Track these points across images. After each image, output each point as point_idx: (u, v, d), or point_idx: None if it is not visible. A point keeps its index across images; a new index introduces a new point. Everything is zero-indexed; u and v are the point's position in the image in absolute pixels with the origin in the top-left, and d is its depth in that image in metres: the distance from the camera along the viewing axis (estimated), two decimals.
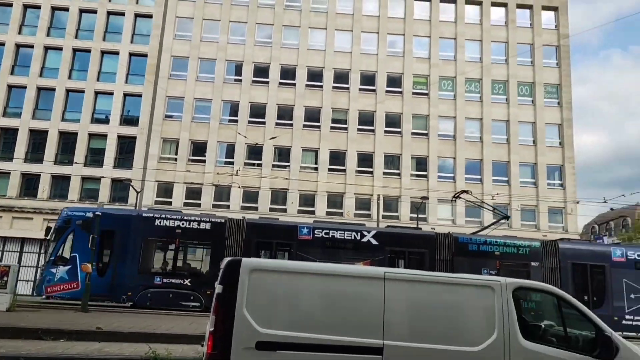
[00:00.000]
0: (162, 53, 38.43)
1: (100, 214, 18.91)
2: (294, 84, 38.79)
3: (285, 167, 37.48)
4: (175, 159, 37.03)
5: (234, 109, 38.40)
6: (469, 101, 39.16)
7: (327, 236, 19.81)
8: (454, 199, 27.74)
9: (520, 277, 19.73)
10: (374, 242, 19.85)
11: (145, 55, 38.36)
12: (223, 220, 20.38)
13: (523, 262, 20.67)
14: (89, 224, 18.84)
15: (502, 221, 22.01)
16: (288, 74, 39.03)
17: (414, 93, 39.13)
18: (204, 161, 36.98)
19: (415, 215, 33.37)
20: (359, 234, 20.00)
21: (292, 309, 5.49)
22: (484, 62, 39.43)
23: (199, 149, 37.37)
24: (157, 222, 19.82)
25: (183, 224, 19.95)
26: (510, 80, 39.46)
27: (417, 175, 38.15)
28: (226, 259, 5.71)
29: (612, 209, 68.85)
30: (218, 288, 5.43)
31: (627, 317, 19.59)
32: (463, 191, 23.22)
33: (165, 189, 36.40)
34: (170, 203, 35.50)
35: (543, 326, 6.22)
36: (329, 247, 19.55)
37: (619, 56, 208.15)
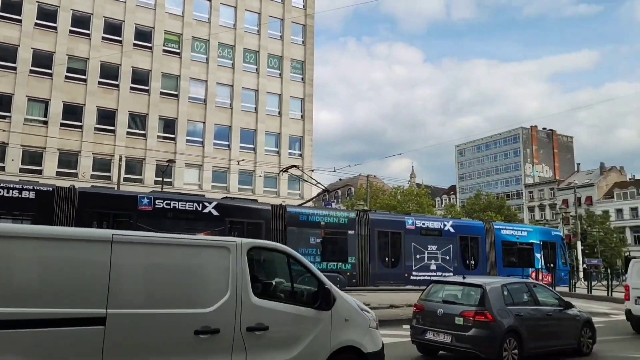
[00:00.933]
0: None
1: None
2: (20, 20, 32.80)
3: (4, 118, 31.72)
4: None
5: None
6: (222, 66, 39.04)
7: (168, 207, 18.66)
8: (283, 172, 29.28)
9: (340, 244, 22.02)
10: (215, 213, 19.49)
11: None
12: (51, 189, 17.15)
13: (342, 231, 22.08)
14: None
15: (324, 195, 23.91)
16: (13, 7, 32.76)
17: (164, 50, 37.13)
18: None
19: (161, 179, 32.00)
20: (200, 205, 19.37)
21: (3, 281, 4.55)
22: (237, 29, 39.65)
23: None
24: None
25: None
26: (261, 51, 40.61)
27: (165, 138, 36.62)
28: None
29: (340, 179, 77.90)
30: None
31: (414, 273, 22.99)
32: (293, 166, 24.97)
33: None
34: None
35: (274, 283, 6.32)
36: (171, 218, 18.49)
37: (354, 44, 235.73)
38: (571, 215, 66.19)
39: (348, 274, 21.86)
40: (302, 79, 42.41)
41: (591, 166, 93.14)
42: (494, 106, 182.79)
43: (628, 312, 13.52)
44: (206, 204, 19.77)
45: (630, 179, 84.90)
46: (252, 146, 39.39)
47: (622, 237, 71.44)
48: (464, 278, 9.88)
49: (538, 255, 27.39)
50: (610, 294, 23.49)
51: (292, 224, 21.13)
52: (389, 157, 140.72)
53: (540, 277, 25.57)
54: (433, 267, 23.87)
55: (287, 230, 20.88)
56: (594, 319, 11.24)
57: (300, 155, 41.32)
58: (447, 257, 24.47)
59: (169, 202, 18.93)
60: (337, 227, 22.10)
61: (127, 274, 5.07)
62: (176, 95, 37.16)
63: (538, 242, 27.88)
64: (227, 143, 38.57)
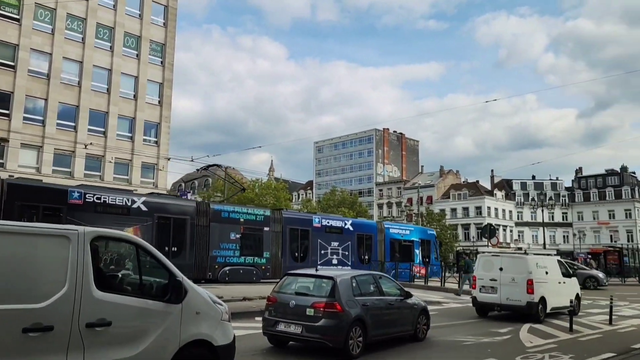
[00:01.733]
0: None
1: None
2: None
3: None
4: None
5: None
6: (70, 40, 35.55)
7: (99, 201, 18.85)
8: (202, 170, 31.40)
9: (257, 239, 23.75)
10: (143, 208, 19.92)
11: None
12: None
13: (258, 227, 23.83)
14: None
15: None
16: None
17: (1, 15, 32.79)
18: None
19: None
20: (130, 200, 19.74)
21: None
22: (89, 1, 36.37)
23: None
24: None
25: None
26: (117, 28, 37.77)
27: None
28: None
29: (197, 170, 75.84)
30: None
31: (319, 267, 24.81)
32: (215, 165, 28.73)
33: None
34: None
35: (120, 275, 5.94)
36: (101, 212, 18.65)
37: (218, 33, 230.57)
38: (414, 213, 72.12)
39: (263, 267, 23.77)
40: (162, 62, 40.35)
41: (433, 169, 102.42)
42: (352, 107, 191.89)
43: (474, 299, 15.56)
44: (135, 199, 20.09)
45: (463, 182, 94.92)
46: (102, 129, 36.51)
47: (454, 233, 79.54)
48: (316, 270, 10.09)
49: (417, 251, 30.93)
50: (443, 285, 25.99)
51: (215, 220, 22.31)
52: (248, 150, 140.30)
53: (418, 270, 29.06)
54: (335, 261, 26.29)
55: (210, 225, 22.05)
56: (429, 307, 12.34)
57: (156, 142, 39.34)
58: (347, 253, 27.21)
59: (100, 196, 19.15)
60: (253, 224, 23.72)
61: None
62: (13, 67, 33.03)
63: (417, 239, 31.39)
64: (73, 124, 35.27)
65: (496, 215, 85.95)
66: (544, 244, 56.41)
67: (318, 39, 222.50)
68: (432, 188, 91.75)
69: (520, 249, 27.37)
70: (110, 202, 19.23)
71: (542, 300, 14.70)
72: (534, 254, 16.94)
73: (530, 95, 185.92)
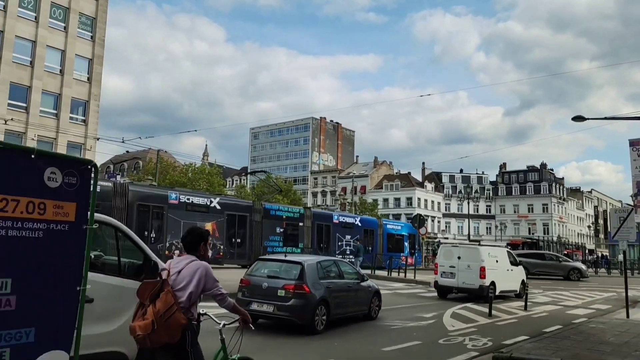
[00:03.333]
0: None
1: None
2: None
3: None
4: None
5: None
6: None
7: (189, 201, 21.97)
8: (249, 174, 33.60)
9: (294, 233, 26.65)
10: (218, 207, 23.06)
11: None
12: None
13: (295, 222, 27.17)
14: None
15: None
16: None
17: None
18: None
19: None
20: (209, 200, 23.12)
21: None
22: None
23: None
24: None
25: None
26: None
27: None
28: None
29: (127, 152, 73.18)
30: None
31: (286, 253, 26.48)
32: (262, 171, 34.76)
33: None
34: None
35: (100, 256, 6.23)
36: (190, 210, 21.76)
37: (153, 10, 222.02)
38: (348, 202, 73.25)
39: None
40: (92, 37, 38.36)
41: (368, 159, 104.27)
42: (290, 94, 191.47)
43: (435, 283, 18.24)
44: (212, 199, 23.42)
45: (396, 173, 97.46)
46: (24, 105, 34.33)
47: None
48: (285, 256, 11.34)
49: (406, 244, 36.39)
50: (390, 275, 27.22)
51: (266, 216, 25.40)
52: (182, 133, 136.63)
53: (406, 259, 33.21)
54: (347, 251, 29.85)
55: (262, 221, 25.13)
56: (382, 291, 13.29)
57: (84, 121, 37.48)
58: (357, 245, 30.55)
59: (189, 197, 22.21)
60: (292, 220, 26.92)
61: None
62: None
63: (406, 234, 36.79)
64: None
65: (425, 206, 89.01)
66: (469, 234, 59.14)
67: (258, 23, 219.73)
68: (366, 178, 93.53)
69: (446, 238, 30.43)
70: (195, 202, 22.49)
71: (492, 284, 16.98)
72: (487, 245, 20.09)
73: (462, 92, 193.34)
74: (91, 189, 3.50)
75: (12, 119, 32.46)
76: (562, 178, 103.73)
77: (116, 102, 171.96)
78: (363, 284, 12.16)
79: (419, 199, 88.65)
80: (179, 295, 4.12)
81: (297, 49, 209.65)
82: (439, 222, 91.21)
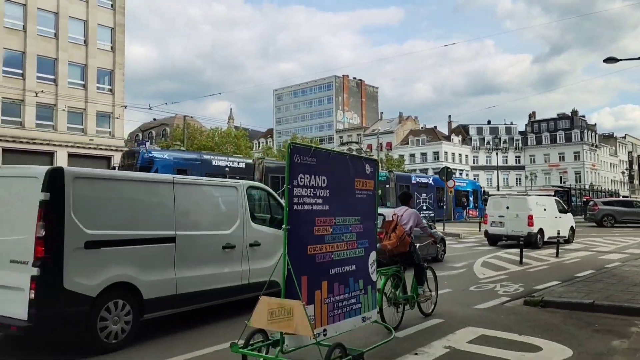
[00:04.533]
0: None
1: None
2: None
3: None
4: None
5: None
6: None
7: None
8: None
9: (383, 193, 30.15)
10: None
11: None
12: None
13: (384, 184, 31.56)
14: None
15: None
16: None
17: None
18: None
19: None
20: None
21: (110, 211, 6.12)
22: None
23: None
24: None
25: None
26: None
27: None
28: (45, 168, 5.74)
29: (154, 119, 74.06)
30: (43, 196, 5.50)
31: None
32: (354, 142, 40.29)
33: None
34: None
35: (261, 212, 8.60)
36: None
37: None
38: (374, 159, 73.10)
39: None
40: (112, 6, 38.40)
41: (392, 115, 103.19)
42: (311, 54, 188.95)
43: (485, 232, 19.44)
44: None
45: (422, 128, 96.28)
46: (52, 77, 34.95)
47: None
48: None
49: (471, 199, 41.88)
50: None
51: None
52: (207, 98, 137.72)
53: (471, 213, 39.98)
54: (424, 207, 34.29)
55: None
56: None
57: (111, 90, 38.00)
58: (430, 201, 35.97)
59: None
60: (383, 183, 30.69)
61: (183, 206, 6.94)
62: None
63: (471, 190, 42.57)
64: (20, 72, 33.59)
65: (453, 159, 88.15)
66: (498, 186, 58.62)
67: None
68: (392, 134, 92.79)
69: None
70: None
71: (540, 231, 18.08)
72: (535, 195, 21.64)
73: (489, 41, 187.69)
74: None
75: (42, 92, 33.18)
76: (595, 124, 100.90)
77: (140, 70, 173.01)
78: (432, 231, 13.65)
79: (445, 152, 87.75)
80: (405, 227, 7.39)
81: (316, 6, 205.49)
82: (467, 175, 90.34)
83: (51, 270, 5.43)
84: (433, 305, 7.86)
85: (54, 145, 33.78)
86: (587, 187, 74.03)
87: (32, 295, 5.30)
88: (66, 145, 34.61)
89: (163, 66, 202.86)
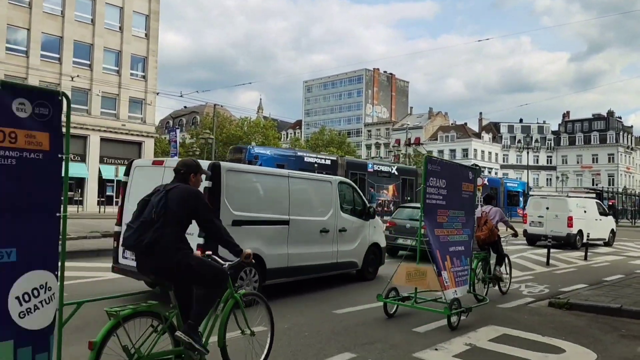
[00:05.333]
0: None
1: None
2: None
3: None
4: None
5: None
6: None
7: (378, 169, 32.58)
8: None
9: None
10: (396, 173, 33.58)
11: None
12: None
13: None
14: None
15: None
16: None
17: None
18: None
19: None
20: (390, 167, 33.87)
21: (249, 197, 7.80)
22: None
23: None
24: None
25: None
26: None
27: None
28: (207, 162, 7.11)
29: (185, 107, 74.90)
30: (207, 184, 6.88)
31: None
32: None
33: None
34: None
35: (348, 203, 10.14)
36: (380, 176, 32.16)
37: None
38: (402, 154, 72.58)
39: None
40: None
41: (422, 110, 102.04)
42: (343, 46, 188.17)
43: (525, 232, 19.58)
44: (392, 167, 34.96)
45: (452, 124, 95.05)
46: (87, 62, 35.67)
47: None
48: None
49: (521, 199, 43.33)
50: None
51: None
52: (237, 88, 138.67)
53: (520, 212, 38.80)
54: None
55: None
56: None
57: (144, 77, 38.60)
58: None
59: (379, 166, 33.60)
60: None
61: (294, 195, 8.52)
62: None
63: (520, 190, 45.46)
64: (57, 56, 34.38)
65: (482, 157, 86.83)
66: (528, 186, 57.52)
67: None
68: (421, 129, 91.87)
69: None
70: (383, 169, 32.70)
71: (580, 232, 18.32)
72: (575, 197, 21.84)
73: (525, 37, 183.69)
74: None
75: (78, 76, 33.92)
76: (631, 126, 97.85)
77: (174, 58, 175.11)
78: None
79: (475, 150, 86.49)
80: (492, 221, 8.97)
81: None
82: (496, 173, 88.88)
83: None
84: (508, 286, 9.47)
85: (87, 129, 34.53)
86: (620, 190, 72.07)
87: None
88: (99, 130, 35.35)
89: (196, 55, 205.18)
